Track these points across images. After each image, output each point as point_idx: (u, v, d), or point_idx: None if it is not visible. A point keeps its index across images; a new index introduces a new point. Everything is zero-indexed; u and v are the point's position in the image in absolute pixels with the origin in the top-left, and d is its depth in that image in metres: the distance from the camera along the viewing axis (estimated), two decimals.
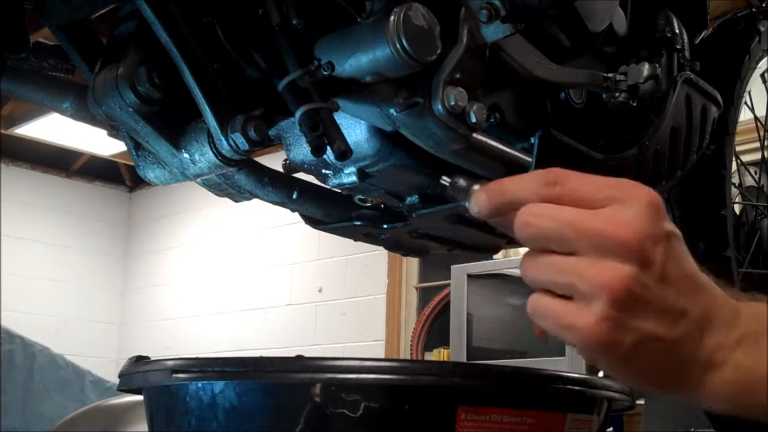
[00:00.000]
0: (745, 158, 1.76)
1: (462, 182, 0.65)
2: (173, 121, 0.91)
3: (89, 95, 0.92)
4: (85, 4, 0.93)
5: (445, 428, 0.79)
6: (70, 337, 6.03)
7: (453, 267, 3.54)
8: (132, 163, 1.00)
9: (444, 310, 4.35)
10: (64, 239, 6.49)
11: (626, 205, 0.58)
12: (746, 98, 1.55)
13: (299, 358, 0.83)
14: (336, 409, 0.78)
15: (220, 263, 6.08)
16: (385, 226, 1.08)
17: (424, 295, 5.01)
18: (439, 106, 0.82)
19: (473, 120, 0.83)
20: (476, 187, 0.64)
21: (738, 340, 0.61)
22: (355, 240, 1.16)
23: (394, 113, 0.84)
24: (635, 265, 0.57)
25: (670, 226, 0.59)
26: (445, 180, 0.66)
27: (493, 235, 1.07)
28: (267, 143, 0.88)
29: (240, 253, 5.96)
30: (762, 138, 1.81)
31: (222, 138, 0.86)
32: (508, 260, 3.61)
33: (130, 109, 0.88)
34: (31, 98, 1.04)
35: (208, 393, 0.82)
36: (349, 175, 0.96)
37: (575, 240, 0.58)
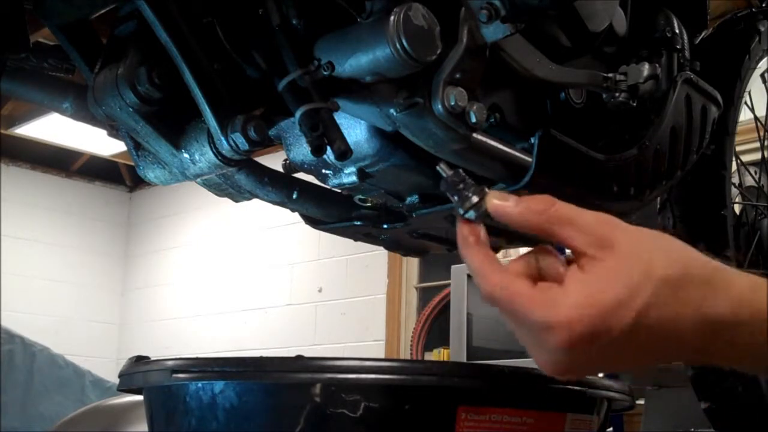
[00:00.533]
0: (745, 158, 1.76)
1: (457, 180, 0.66)
2: (173, 121, 0.91)
3: (89, 95, 0.92)
4: (85, 4, 0.93)
5: (445, 428, 0.79)
6: (70, 337, 6.02)
7: (453, 267, 3.53)
8: (132, 163, 1.00)
9: (444, 310, 4.34)
10: (64, 239, 6.49)
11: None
12: (746, 98, 1.55)
13: (299, 358, 0.83)
14: (336, 409, 0.78)
15: (220, 263, 6.08)
16: (385, 226, 1.08)
17: (424, 295, 5.01)
18: (439, 106, 0.82)
19: (473, 120, 0.83)
20: (474, 198, 0.66)
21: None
22: (355, 240, 1.16)
23: (394, 113, 0.84)
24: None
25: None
26: (443, 169, 0.67)
27: (492, 235, 1.07)
28: (267, 143, 0.88)
29: (240, 253, 5.96)
30: (762, 138, 1.81)
31: (222, 138, 0.85)
32: (509, 260, 3.60)
33: (130, 109, 0.88)
34: (31, 98, 1.04)
35: (208, 393, 0.82)
36: (349, 175, 0.96)
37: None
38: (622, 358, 0.63)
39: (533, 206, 0.66)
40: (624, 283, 0.60)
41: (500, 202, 0.66)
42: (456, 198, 0.66)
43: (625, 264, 0.61)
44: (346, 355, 2.06)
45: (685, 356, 0.68)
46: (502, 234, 1.08)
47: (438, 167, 0.68)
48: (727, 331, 0.62)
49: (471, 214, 0.67)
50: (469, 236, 0.67)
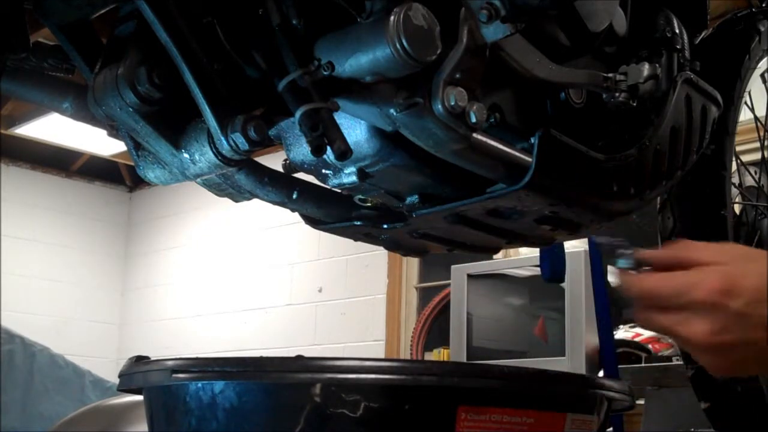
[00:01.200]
0: (745, 158, 1.76)
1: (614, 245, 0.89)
2: (173, 121, 0.91)
3: (89, 95, 0.92)
4: (85, 4, 0.93)
5: (446, 428, 0.79)
6: (70, 337, 6.02)
7: (453, 267, 3.53)
8: (132, 163, 1.00)
9: (444, 310, 4.34)
10: (64, 239, 6.49)
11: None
12: (746, 98, 1.55)
13: (299, 358, 0.83)
14: (336, 409, 0.78)
15: (220, 263, 6.08)
16: (385, 226, 1.08)
17: (424, 295, 5.01)
18: (439, 106, 0.82)
19: (473, 120, 0.83)
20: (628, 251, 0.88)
21: None
22: (355, 240, 1.16)
23: (394, 113, 0.84)
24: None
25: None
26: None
27: (492, 235, 1.07)
28: (267, 143, 0.88)
29: (240, 253, 5.96)
30: (762, 138, 1.81)
31: (222, 138, 0.85)
32: (508, 260, 3.61)
33: (130, 109, 0.88)
34: (31, 98, 1.04)
35: (208, 393, 0.83)
36: (349, 175, 0.96)
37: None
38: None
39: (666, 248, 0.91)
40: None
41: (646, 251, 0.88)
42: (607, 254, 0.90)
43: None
44: (346, 355, 2.06)
45: None
46: (502, 234, 1.08)
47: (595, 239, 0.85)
48: None
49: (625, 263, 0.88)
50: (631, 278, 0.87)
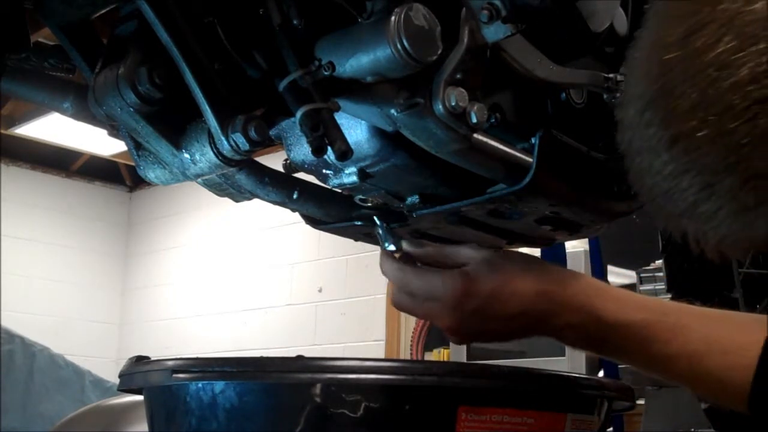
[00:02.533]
0: None
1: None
2: (174, 121, 0.91)
3: (90, 95, 0.92)
4: (86, 4, 0.93)
5: (446, 428, 0.79)
6: (70, 337, 6.02)
7: None
8: (132, 163, 1.00)
9: None
10: (64, 239, 6.50)
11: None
12: None
13: (299, 358, 0.83)
14: (336, 409, 0.78)
15: (220, 263, 6.08)
16: None
17: None
18: (440, 107, 0.81)
19: (474, 120, 0.83)
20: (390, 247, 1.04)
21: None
22: (356, 240, 1.16)
23: (395, 113, 0.84)
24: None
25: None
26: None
27: (493, 235, 1.07)
28: (268, 143, 0.88)
29: (240, 253, 5.96)
30: None
31: (223, 138, 0.85)
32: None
33: (131, 109, 0.88)
34: (32, 98, 1.04)
35: (209, 393, 0.83)
36: (349, 176, 0.96)
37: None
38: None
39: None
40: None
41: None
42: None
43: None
44: (346, 355, 2.06)
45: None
46: (503, 234, 1.08)
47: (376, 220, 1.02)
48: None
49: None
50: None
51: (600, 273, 2.35)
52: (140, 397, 0.97)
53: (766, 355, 0.83)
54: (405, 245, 1.03)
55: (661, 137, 0.65)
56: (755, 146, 0.60)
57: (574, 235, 1.11)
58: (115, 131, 1.00)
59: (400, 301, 1.00)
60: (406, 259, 1.03)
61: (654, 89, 0.66)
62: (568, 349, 3.05)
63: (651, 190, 0.70)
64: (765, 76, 0.59)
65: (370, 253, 4.99)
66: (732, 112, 0.60)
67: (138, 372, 0.91)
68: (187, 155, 0.91)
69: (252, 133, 0.85)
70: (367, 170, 0.95)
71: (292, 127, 0.97)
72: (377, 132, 0.91)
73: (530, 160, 0.92)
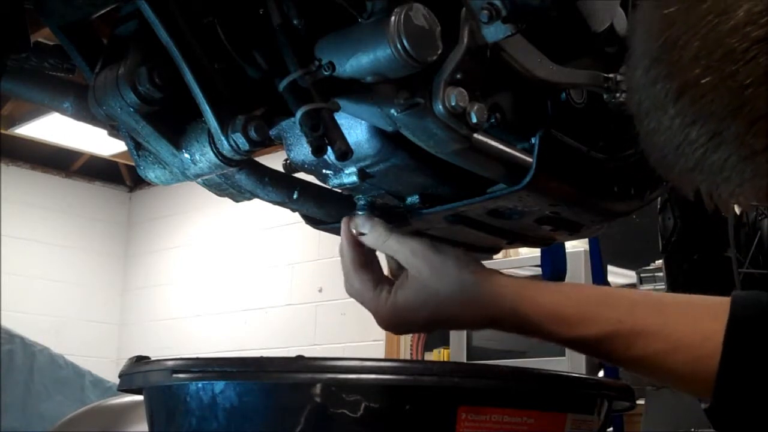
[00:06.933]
0: None
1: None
2: (174, 121, 0.91)
3: (90, 95, 0.92)
4: (86, 4, 0.93)
5: (446, 428, 0.79)
6: (70, 337, 6.02)
7: None
8: (132, 163, 1.00)
9: None
10: (64, 239, 6.49)
11: None
12: None
13: (299, 358, 0.83)
14: (336, 409, 0.78)
15: (220, 263, 6.08)
16: None
17: None
18: (440, 107, 0.82)
19: (474, 120, 0.83)
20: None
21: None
22: None
23: (395, 113, 0.84)
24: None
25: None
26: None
27: (493, 235, 1.07)
28: (268, 143, 0.88)
29: (240, 253, 5.96)
30: None
31: (223, 138, 0.86)
32: (508, 260, 3.61)
33: (131, 109, 0.88)
34: (32, 98, 1.04)
35: (209, 393, 0.83)
36: (349, 176, 0.96)
37: None
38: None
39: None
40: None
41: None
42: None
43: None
44: (346, 355, 2.06)
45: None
46: (503, 234, 1.08)
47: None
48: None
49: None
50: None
51: (600, 273, 2.34)
52: (140, 397, 0.97)
53: (728, 344, 0.81)
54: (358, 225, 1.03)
55: (667, 91, 0.65)
56: (758, 87, 0.60)
57: (574, 235, 1.11)
58: (115, 131, 1.00)
59: (350, 289, 1.05)
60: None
61: (657, 45, 0.66)
62: (568, 350, 3.05)
63: (662, 148, 0.69)
64: (761, 16, 0.59)
65: None
66: (732, 56, 0.60)
67: (138, 372, 0.91)
68: (187, 155, 0.91)
69: (252, 133, 0.85)
70: (367, 170, 0.95)
71: (292, 127, 0.97)
72: (377, 132, 0.91)
73: (530, 160, 0.92)
